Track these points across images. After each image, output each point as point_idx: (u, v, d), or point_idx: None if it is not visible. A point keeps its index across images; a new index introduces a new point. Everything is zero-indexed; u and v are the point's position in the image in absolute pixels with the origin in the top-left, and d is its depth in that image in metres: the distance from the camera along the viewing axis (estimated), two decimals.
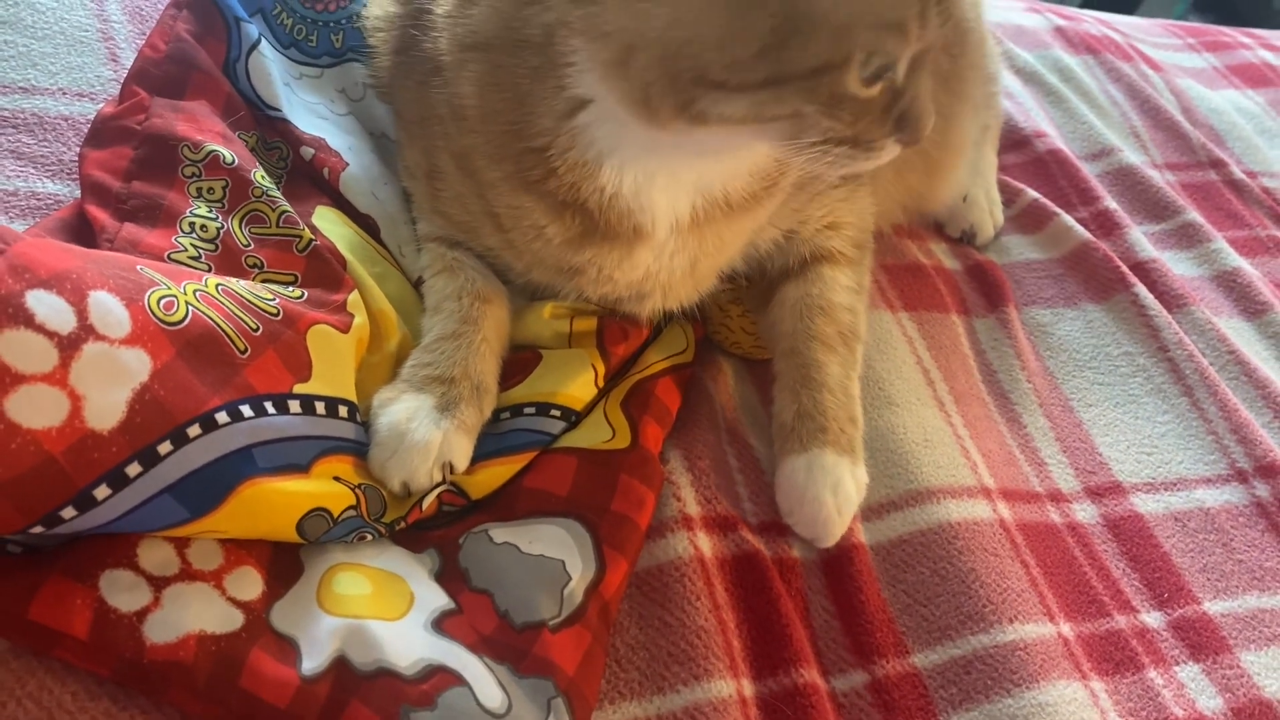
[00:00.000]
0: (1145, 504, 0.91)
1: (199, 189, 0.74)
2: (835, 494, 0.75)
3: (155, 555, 0.58)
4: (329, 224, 0.78)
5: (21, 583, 0.54)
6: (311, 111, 0.85)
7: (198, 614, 0.57)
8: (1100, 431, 0.97)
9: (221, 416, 0.59)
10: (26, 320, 0.53)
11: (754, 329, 0.89)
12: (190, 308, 0.61)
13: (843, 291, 0.85)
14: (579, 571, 0.66)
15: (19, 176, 0.77)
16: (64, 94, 0.83)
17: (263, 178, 0.76)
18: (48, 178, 0.77)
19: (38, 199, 0.76)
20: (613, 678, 0.66)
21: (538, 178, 0.69)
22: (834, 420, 0.77)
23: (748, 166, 0.73)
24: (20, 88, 0.82)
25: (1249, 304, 1.16)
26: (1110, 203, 1.21)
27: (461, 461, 0.69)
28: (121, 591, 0.56)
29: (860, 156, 0.63)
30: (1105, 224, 1.19)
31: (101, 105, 0.79)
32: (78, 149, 0.76)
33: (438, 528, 0.69)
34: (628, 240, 0.72)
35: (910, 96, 0.62)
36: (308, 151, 0.81)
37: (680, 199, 0.72)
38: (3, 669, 0.54)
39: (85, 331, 0.55)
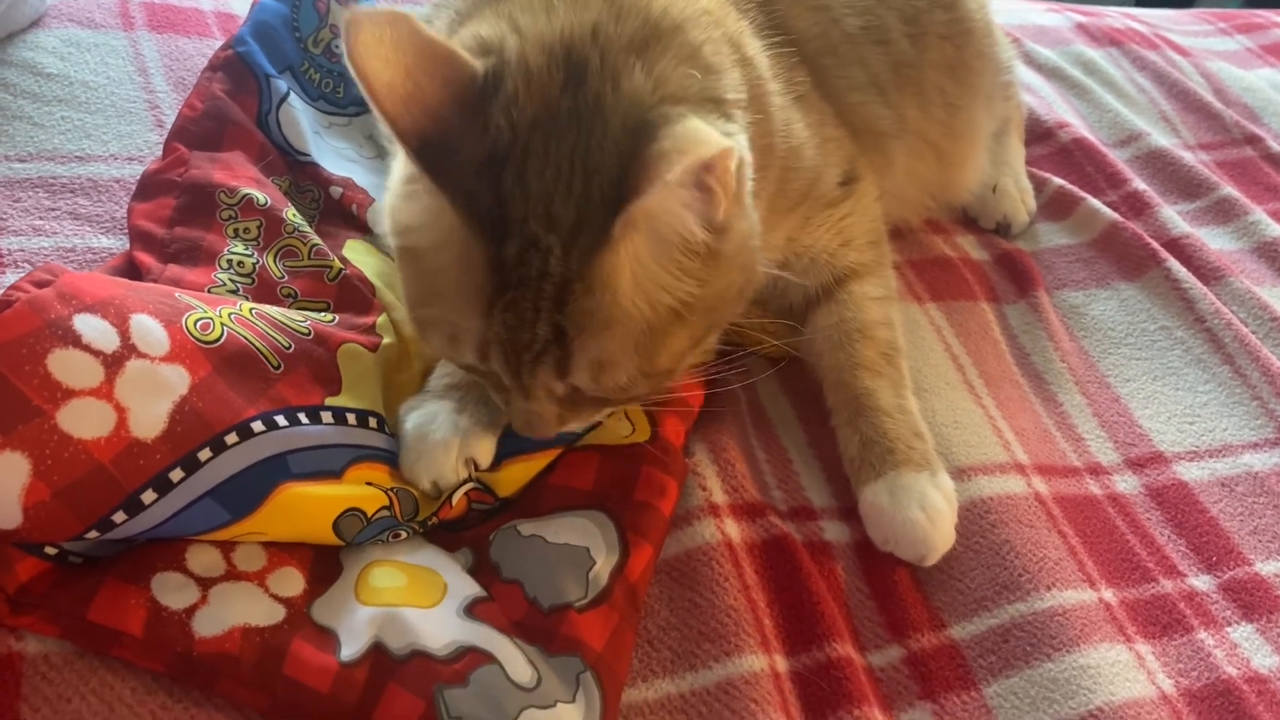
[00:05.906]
0: (1189, 472, 0.90)
1: (236, 229, 0.79)
2: (924, 509, 0.75)
3: (202, 559, 0.62)
4: (358, 255, 0.83)
5: (81, 588, 0.59)
6: (340, 155, 0.91)
7: (242, 609, 0.61)
8: (1140, 405, 0.96)
9: (257, 425, 0.63)
10: (74, 341, 0.58)
11: (773, 329, 0.91)
12: (225, 328, 0.65)
13: (873, 306, 0.87)
14: (603, 556, 0.68)
15: (76, 235, 0.83)
16: (115, 159, 0.91)
17: (294, 216, 0.81)
18: (102, 233, 0.84)
19: (93, 253, 0.82)
20: (645, 657, 0.68)
21: None
22: (899, 440, 0.78)
23: None
24: (76, 156, 0.90)
25: None
26: (1139, 184, 1.21)
27: (484, 457, 0.72)
28: (172, 591, 0.60)
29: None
30: (1135, 205, 1.18)
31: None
32: (127, 205, 0.83)
33: (470, 528, 0.72)
34: None
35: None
36: (336, 190, 0.87)
37: None
38: (68, 669, 0.59)
39: (128, 350, 0.60)
